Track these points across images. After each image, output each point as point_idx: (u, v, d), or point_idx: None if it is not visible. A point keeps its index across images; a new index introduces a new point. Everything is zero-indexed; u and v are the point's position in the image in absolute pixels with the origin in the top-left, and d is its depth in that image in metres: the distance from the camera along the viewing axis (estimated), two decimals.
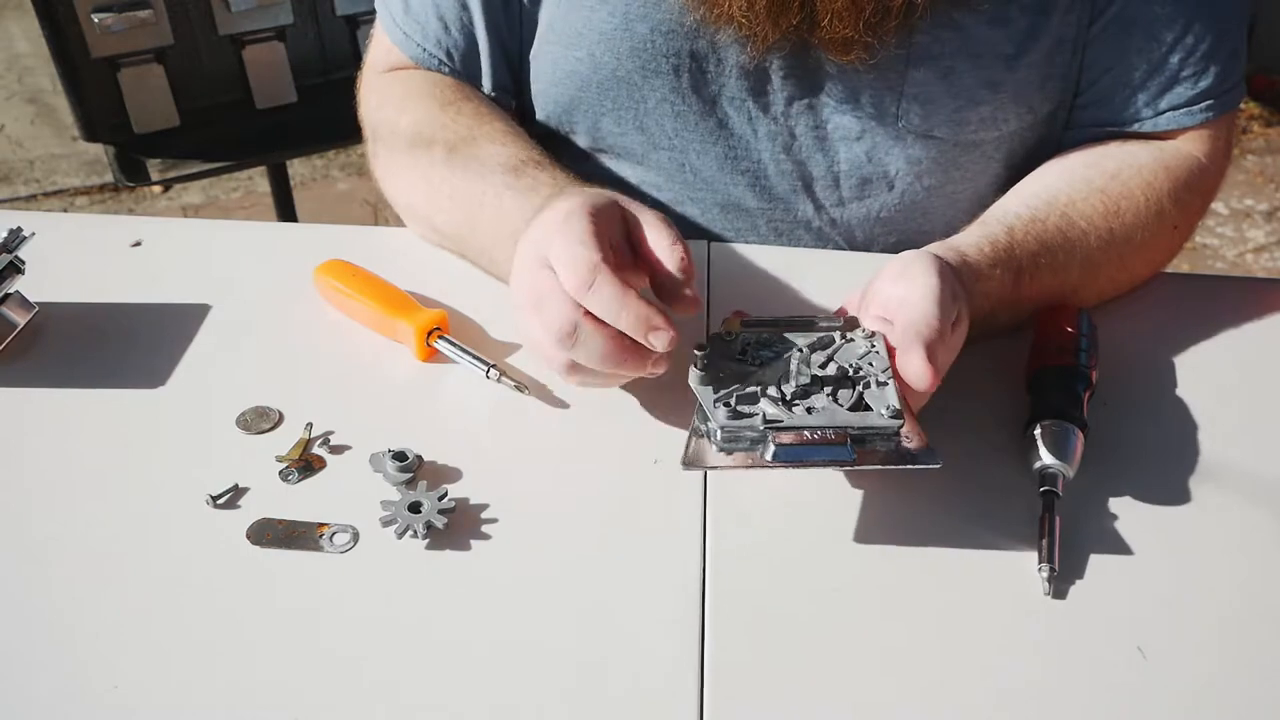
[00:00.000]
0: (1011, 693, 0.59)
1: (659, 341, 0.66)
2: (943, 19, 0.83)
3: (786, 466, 0.63)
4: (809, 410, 0.65)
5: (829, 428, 0.64)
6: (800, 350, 0.68)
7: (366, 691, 0.58)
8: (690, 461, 0.64)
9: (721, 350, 0.69)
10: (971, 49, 0.85)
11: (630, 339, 0.66)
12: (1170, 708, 0.59)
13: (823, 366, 0.68)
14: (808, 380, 0.66)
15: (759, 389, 0.66)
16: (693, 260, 0.69)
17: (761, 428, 0.63)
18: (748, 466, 0.63)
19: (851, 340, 0.70)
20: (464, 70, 0.94)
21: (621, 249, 0.70)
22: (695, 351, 0.67)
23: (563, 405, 0.76)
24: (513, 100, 0.97)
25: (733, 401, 0.65)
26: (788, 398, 0.66)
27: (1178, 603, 0.64)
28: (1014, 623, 0.63)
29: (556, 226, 0.68)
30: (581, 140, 0.96)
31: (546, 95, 0.94)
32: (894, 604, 0.64)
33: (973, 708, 0.59)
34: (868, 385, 0.67)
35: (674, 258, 0.68)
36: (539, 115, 0.96)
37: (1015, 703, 0.59)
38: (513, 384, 0.75)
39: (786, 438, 0.63)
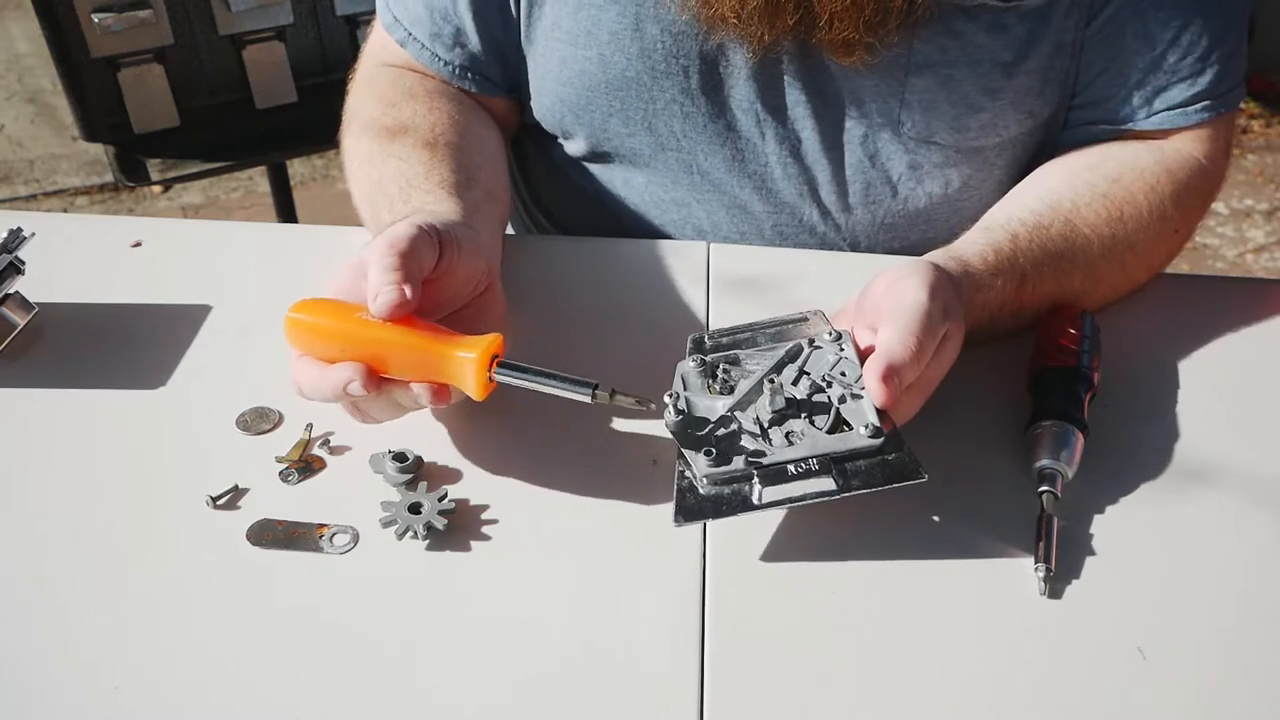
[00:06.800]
0: (1009, 693, 0.59)
1: (355, 390, 0.65)
2: (942, 27, 0.83)
3: (776, 506, 0.63)
4: (788, 435, 0.65)
5: (811, 458, 0.64)
6: (771, 380, 0.67)
7: (367, 692, 0.59)
8: (682, 516, 0.64)
9: (693, 384, 0.69)
10: (970, 56, 0.85)
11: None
12: (1170, 708, 0.59)
13: (795, 383, 0.68)
14: (782, 405, 0.66)
15: (738, 425, 0.66)
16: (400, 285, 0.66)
17: (745, 468, 0.64)
18: (737, 514, 0.64)
19: (819, 347, 0.70)
20: (451, 61, 0.93)
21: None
22: (666, 398, 0.67)
23: (565, 406, 0.75)
24: (498, 92, 0.96)
25: (714, 447, 0.65)
26: (766, 425, 0.66)
27: (1177, 603, 0.64)
28: (1011, 623, 0.63)
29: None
30: (580, 143, 0.95)
31: (553, 94, 0.93)
32: (892, 603, 0.64)
33: (970, 706, 0.59)
34: (843, 400, 0.67)
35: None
36: (536, 112, 0.96)
37: (1013, 703, 0.59)
38: (632, 400, 0.66)
39: (771, 486, 0.63)
